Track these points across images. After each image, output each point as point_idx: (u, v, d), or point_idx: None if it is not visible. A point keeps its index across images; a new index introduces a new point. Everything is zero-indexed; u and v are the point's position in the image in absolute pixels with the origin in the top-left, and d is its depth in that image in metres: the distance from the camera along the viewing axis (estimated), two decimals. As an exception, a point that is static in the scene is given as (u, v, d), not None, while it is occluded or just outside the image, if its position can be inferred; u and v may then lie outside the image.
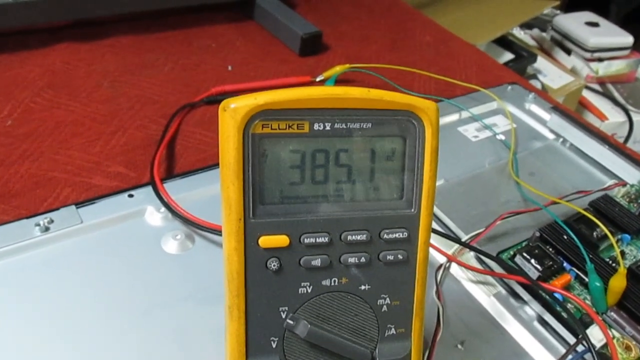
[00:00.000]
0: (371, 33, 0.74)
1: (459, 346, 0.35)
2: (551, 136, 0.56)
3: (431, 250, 0.40)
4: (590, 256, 0.39)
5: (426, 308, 0.36)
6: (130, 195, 0.40)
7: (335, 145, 0.23)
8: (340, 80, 0.60)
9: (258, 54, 0.64)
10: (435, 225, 0.42)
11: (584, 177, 0.51)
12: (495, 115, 0.58)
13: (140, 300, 0.34)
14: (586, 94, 0.95)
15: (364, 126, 0.23)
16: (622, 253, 0.41)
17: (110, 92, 0.53)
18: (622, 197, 0.47)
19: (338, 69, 0.59)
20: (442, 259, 0.40)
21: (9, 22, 0.54)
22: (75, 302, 0.33)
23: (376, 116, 0.23)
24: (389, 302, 0.24)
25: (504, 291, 0.39)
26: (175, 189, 0.41)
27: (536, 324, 0.37)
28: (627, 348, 0.34)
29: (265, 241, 0.22)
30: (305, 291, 0.23)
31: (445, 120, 0.56)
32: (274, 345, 0.23)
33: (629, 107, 0.93)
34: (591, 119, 0.91)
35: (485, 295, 0.38)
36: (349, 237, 0.23)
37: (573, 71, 0.97)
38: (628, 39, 0.97)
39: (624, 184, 0.48)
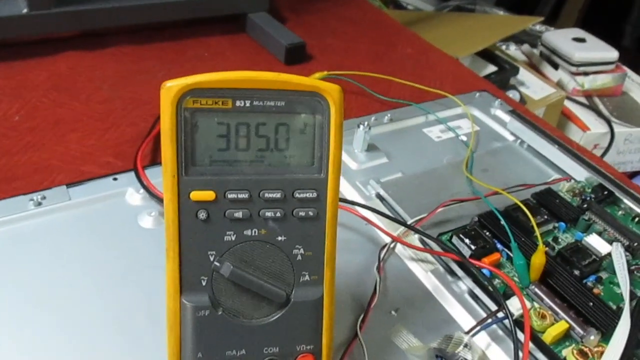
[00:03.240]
0: (355, 45, 0.79)
1: (393, 312, 0.39)
2: (511, 138, 0.60)
3: (377, 231, 0.44)
4: (519, 237, 0.43)
5: (367, 280, 0.41)
6: (115, 179, 0.46)
7: (255, 119, 0.28)
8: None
9: (246, 62, 0.70)
10: (385, 211, 0.47)
11: (535, 174, 0.55)
12: (460, 118, 0.63)
13: (118, 266, 0.39)
14: (572, 106, 0.98)
15: (279, 104, 0.28)
16: (556, 239, 0.45)
17: (108, 94, 0.60)
18: (567, 191, 0.51)
19: (317, 76, 0.64)
20: (387, 240, 0.44)
21: (22, 32, 0.61)
22: (62, 267, 0.39)
23: (289, 96, 0.28)
24: (303, 252, 0.29)
25: (441, 268, 0.43)
26: (155, 174, 0.47)
27: (466, 296, 0.41)
28: (542, 316, 0.38)
29: (195, 195, 0.27)
30: (230, 239, 0.28)
31: (411, 122, 0.61)
32: (204, 284, 0.28)
33: (612, 119, 0.96)
34: (574, 129, 0.95)
35: (423, 272, 0.43)
36: (267, 195, 0.28)
37: (559, 84, 1.01)
38: (613, 54, 1.01)
39: (568, 179, 0.52)
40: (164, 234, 0.28)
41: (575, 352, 0.36)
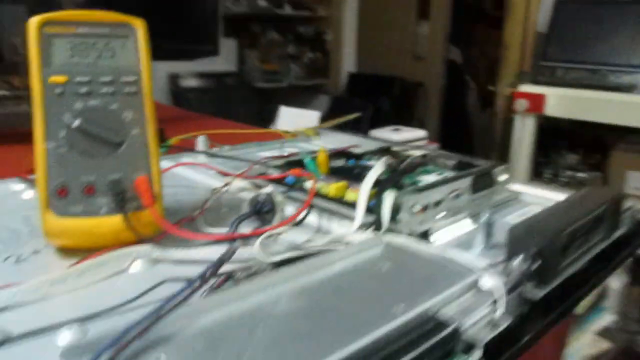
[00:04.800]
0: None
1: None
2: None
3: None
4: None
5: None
6: None
7: (92, 39, 0.45)
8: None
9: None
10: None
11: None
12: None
13: None
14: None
15: (106, 30, 0.46)
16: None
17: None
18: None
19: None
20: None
21: None
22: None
23: (112, 25, 0.46)
24: (131, 115, 0.44)
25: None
26: None
27: (281, 197, 0.56)
28: (328, 185, 0.54)
29: (53, 79, 0.43)
30: (79, 106, 0.43)
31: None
32: (62, 135, 0.42)
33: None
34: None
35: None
36: (101, 79, 0.44)
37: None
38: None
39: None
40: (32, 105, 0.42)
41: (350, 192, 0.51)
